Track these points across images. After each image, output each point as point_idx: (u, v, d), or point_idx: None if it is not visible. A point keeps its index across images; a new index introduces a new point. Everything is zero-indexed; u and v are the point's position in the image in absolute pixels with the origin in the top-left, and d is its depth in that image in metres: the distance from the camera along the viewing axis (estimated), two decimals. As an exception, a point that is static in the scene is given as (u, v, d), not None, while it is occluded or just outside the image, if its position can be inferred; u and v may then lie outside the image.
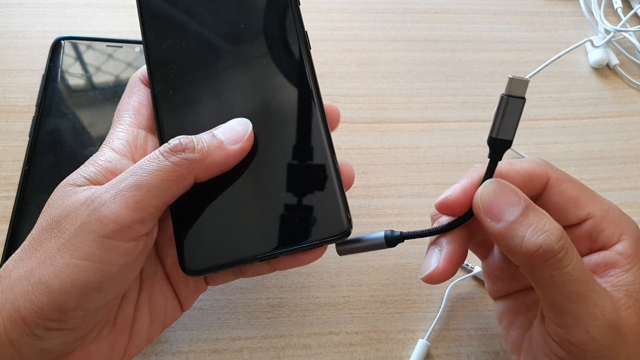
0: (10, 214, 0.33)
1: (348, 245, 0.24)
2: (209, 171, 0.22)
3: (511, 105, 0.21)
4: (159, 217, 0.22)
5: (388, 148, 0.39)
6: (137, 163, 0.21)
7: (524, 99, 0.21)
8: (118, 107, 0.25)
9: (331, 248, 0.34)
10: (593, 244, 0.23)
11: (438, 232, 0.23)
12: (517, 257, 0.21)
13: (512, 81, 0.21)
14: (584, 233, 0.23)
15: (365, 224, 0.36)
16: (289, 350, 0.31)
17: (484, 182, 0.22)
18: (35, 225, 0.21)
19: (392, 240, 0.23)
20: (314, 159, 0.23)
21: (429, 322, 0.33)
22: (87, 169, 0.22)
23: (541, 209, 0.22)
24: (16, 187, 0.34)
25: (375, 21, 0.45)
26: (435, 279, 0.23)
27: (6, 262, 0.21)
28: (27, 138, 0.35)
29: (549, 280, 0.20)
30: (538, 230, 0.20)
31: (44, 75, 0.38)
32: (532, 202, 0.22)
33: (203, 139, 0.22)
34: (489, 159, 0.22)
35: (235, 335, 0.31)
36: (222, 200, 0.23)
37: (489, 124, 0.39)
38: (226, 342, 0.31)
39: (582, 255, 0.23)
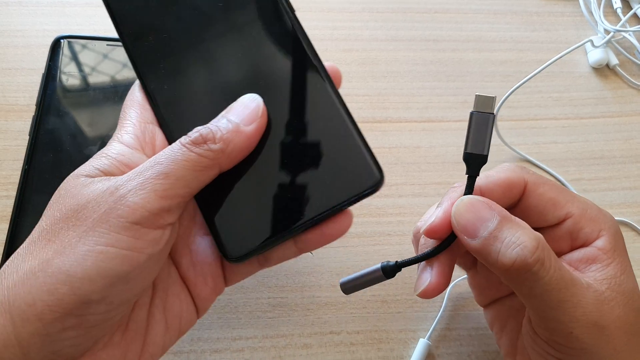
0: (10, 213, 0.33)
1: (350, 284, 0.25)
2: (232, 158, 0.21)
3: (480, 121, 0.23)
4: (184, 207, 0.21)
5: (388, 148, 0.39)
6: (160, 154, 0.20)
7: (492, 114, 0.23)
8: (124, 103, 0.24)
9: (331, 247, 0.35)
10: (574, 242, 0.24)
11: (429, 256, 0.24)
12: (496, 271, 0.22)
13: (478, 98, 0.23)
14: (564, 232, 0.24)
15: (366, 223, 0.36)
16: (290, 350, 0.31)
17: (457, 201, 0.23)
18: (44, 218, 0.20)
19: (389, 271, 0.24)
20: (329, 118, 0.22)
21: (430, 322, 0.33)
22: (99, 161, 0.21)
23: (517, 221, 0.22)
24: (16, 186, 0.34)
25: (376, 21, 0.45)
26: (430, 293, 0.24)
27: (10, 258, 0.19)
28: (27, 137, 0.35)
29: (528, 292, 0.21)
30: (512, 244, 0.21)
31: (43, 74, 0.37)
32: (507, 214, 0.22)
33: (220, 127, 0.21)
34: (466, 176, 0.24)
35: (236, 335, 0.31)
36: (248, 180, 0.22)
37: (490, 124, 0.39)
38: (227, 341, 0.31)
39: (565, 253, 0.24)
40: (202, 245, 0.24)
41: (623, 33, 0.44)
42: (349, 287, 0.25)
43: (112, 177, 0.20)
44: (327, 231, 0.22)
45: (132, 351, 0.21)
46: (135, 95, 0.24)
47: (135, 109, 0.23)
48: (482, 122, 0.23)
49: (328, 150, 0.22)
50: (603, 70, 0.44)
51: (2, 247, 0.32)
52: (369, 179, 0.21)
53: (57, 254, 0.18)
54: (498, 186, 0.23)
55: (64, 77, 0.38)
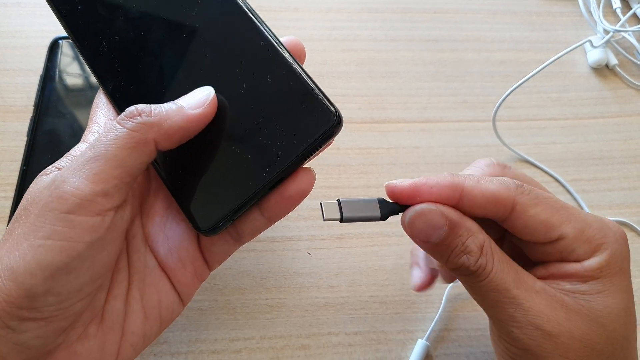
0: (8, 215, 0.33)
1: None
2: (170, 136, 0.21)
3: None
4: (126, 191, 0.21)
5: (387, 148, 0.39)
6: (96, 137, 0.21)
7: (340, 219, 0.23)
8: (92, 105, 0.25)
9: (329, 248, 0.34)
10: (564, 259, 0.23)
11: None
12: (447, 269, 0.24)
13: (323, 205, 0.23)
14: (555, 251, 0.23)
15: (364, 224, 0.36)
16: (288, 351, 0.31)
17: (410, 209, 0.23)
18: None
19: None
20: (274, 71, 0.22)
21: (428, 323, 0.32)
22: (61, 161, 0.22)
23: (466, 226, 0.22)
24: (14, 188, 0.34)
25: (375, 21, 0.45)
26: (421, 288, 0.28)
27: None
28: (25, 138, 0.35)
29: (472, 292, 0.23)
30: (459, 253, 0.22)
31: (41, 75, 0.37)
32: (457, 221, 0.22)
33: (162, 106, 0.21)
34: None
35: (233, 336, 0.31)
36: (206, 150, 0.23)
37: (489, 124, 0.39)
38: (225, 342, 0.31)
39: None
40: (177, 231, 0.24)
41: (622, 33, 0.44)
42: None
43: (58, 171, 0.20)
44: (286, 192, 0.22)
45: (109, 341, 0.22)
46: (101, 97, 0.25)
47: (101, 110, 0.24)
48: (350, 211, 0.23)
49: (277, 104, 0.22)
50: (602, 70, 0.44)
51: (0, 248, 0.32)
52: (322, 121, 0.21)
53: (6, 252, 0.19)
54: (484, 196, 0.22)
55: (62, 78, 0.38)
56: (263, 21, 0.23)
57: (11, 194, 0.33)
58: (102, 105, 0.25)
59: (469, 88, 0.42)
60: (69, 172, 0.19)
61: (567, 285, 0.22)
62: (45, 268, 0.18)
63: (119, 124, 0.20)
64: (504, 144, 0.39)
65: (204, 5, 0.24)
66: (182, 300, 0.24)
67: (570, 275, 0.22)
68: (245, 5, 0.23)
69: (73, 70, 0.38)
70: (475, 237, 0.22)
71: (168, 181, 0.23)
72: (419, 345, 0.31)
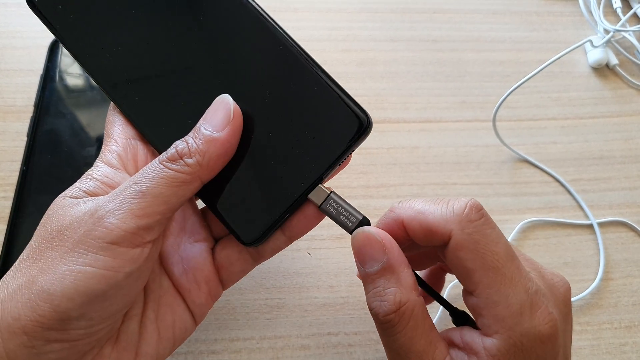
0: (8, 215, 0.33)
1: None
2: (212, 168, 0.21)
3: (332, 207, 0.23)
4: (166, 224, 0.21)
5: (387, 148, 0.39)
6: (139, 172, 0.21)
7: (318, 206, 0.23)
8: (106, 119, 0.25)
9: (329, 248, 0.34)
10: (476, 319, 0.22)
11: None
12: None
13: (317, 187, 0.23)
14: (470, 304, 0.22)
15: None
16: (288, 351, 0.31)
17: (359, 229, 0.22)
18: (34, 237, 0.21)
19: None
20: (300, 80, 0.22)
21: (428, 323, 0.32)
22: (84, 183, 0.22)
23: (401, 275, 0.21)
24: (14, 188, 0.34)
25: (374, 21, 0.45)
26: None
27: (4, 276, 0.20)
28: (25, 138, 0.35)
29: (379, 333, 0.22)
30: (377, 294, 0.21)
31: (42, 75, 0.37)
32: (394, 263, 0.21)
33: (196, 139, 0.21)
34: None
35: (233, 336, 0.31)
36: (243, 164, 0.23)
37: (489, 124, 0.39)
38: (224, 342, 0.31)
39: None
40: (192, 252, 0.24)
41: (623, 33, 0.44)
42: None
43: (95, 198, 0.20)
44: (309, 211, 0.23)
45: None
46: (114, 114, 0.25)
47: (118, 126, 0.24)
48: (333, 206, 0.23)
49: (308, 111, 0.22)
50: (602, 70, 0.44)
51: (0, 249, 0.32)
52: (354, 123, 0.22)
53: (40, 273, 0.19)
54: (419, 225, 0.22)
55: (62, 78, 0.38)
56: (281, 27, 0.23)
57: (11, 194, 0.34)
58: (118, 122, 0.24)
59: (468, 88, 0.42)
60: (114, 204, 0.19)
61: None
62: (83, 294, 0.19)
63: (163, 165, 0.21)
64: (504, 144, 0.39)
65: (219, 16, 0.23)
66: (195, 320, 0.25)
67: (475, 352, 0.21)
68: (262, 11, 0.23)
69: (73, 71, 0.38)
70: (400, 292, 0.21)
71: (208, 199, 0.23)
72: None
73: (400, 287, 0.21)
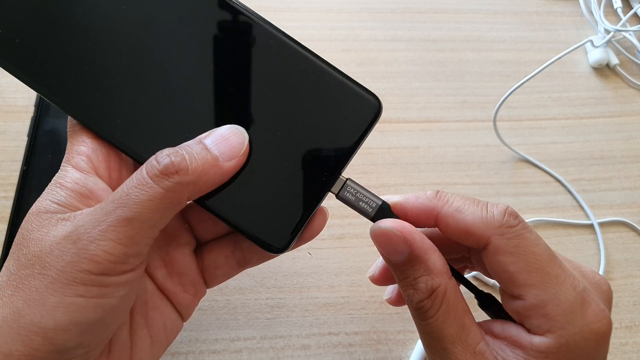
0: (8, 214, 0.33)
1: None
2: (201, 192, 0.20)
3: (349, 193, 0.22)
4: (152, 243, 0.20)
5: (387, 148, 0.39)
6: (123, 189, 0.18)
7: (337, 194, 0.22)
8: (69, 117, 0.22)
9: (329, 248, 0.34)
10: (521, 321, 0.21)
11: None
12: None
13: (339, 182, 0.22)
14: (514, 307, 0.21)
15: (365, 224, 0.35)
16: (289, 351, 0.31)
17: (376, 224, 0.22)
18: (10, 258, 0.19)
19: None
20: (303, 71, 0.22)
21: (428, 323, 0.32)
22: (55, 193, 0.20)
23: (427, 262, 0.21)
24: (15, 188, 0.34)
25: (375, 21, 0.45)
26: (372, 281, 0.27)
27: None
28: (26, 138, 0.35)
29: (414, 319, 0.22)
30: (408, 285, 0.21)
31: (42, 76, 0.38)
32: (421, 255, 0.21)
33: (195, 154, 0.19)
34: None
35: (234, 336, 0.31)
36: (260, 169, 0.22)
37: (489, 124, 0.39)
38: (225, 342, 0.31)
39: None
40: (175, 256, 0.23)
41: (623, 33, 0.44)
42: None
43: (71, 216, 0.19)
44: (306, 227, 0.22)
45: None
46: None
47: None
48: (350, 192, 0.22)
49: (319, 103, 0.22)
50: (603, 70, 0.44)
51: (1, 248, 0.32)
52: (367, 108, 0.22)
53: (27, 305, 0.18)
54: (456, 226, 0.21)
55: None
56: (272, 24, 0.22)
57: (12, 194, 0.34)
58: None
59: (469, 88, 0.42)
60: (98, 232, 0.18)
61: (511, 356, 0.20)
62: (79, 324, 0.18)
63: (152, 180, 0.18)
64: (505, 144, 0.39)
65: (213, 19, 0.22)
66: (183, 318, 0.24)
67: (519, 346, 0.20)
68: (252, 13, 0.22)
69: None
70: (431, 279, 0.21)
71: (225, 214, 0.21)
72: (420, 346, 0.31)
73: (431, 274, 0.21)
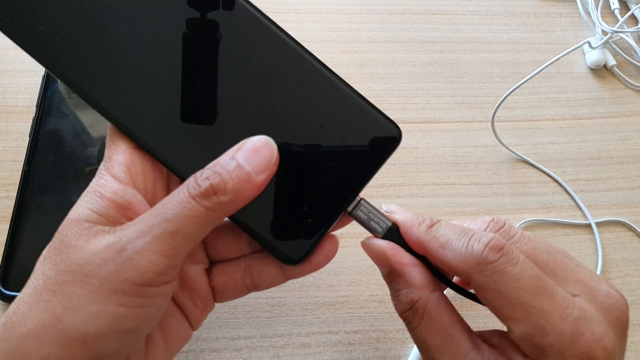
0: (10, 214, 0.33)
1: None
2: (237, 207, 0.21)
3: (363, 213, 0.24)
4: (186, 258, 0.21)
5: (386, 148, 0.39)
6: (166, 205, 0.20)
7: (350, 212, 0.23)
8: (109, 125, 0.22)
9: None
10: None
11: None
12: None
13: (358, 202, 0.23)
14: (510, 336, 0.21)
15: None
16: (288, 350, 0.31)
17: (368, 239, 0.24)
18: (47, 262, 0.19)
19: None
20: (327, 95, 0.23)
21: (427, 322, 0.33)
22: (94, 202, 0.20)
23: (407, 277, 0.22)
24: (16, 187, 0.34)
25: (374, 22, 0.45)
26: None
27: (14, 303, 0.19)
28: (27, 138, 0.35)
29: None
30: (393, 295, 0.23)
31: (44, 76, 0.38)
32: (400, 270, 0.22)
33: (231, 174, 0.20)
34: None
35: (234, 335, 0.32)
36: (283, 184, 0.23)
37: (487, 125, 0.40)
38: (225, 341, 0.31)
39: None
40: (188, 273, 0.24)
41: (620, 34, 0.44)
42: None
43: (115, 230, 0.20)
44: (313, 258, 0.23)
45: None
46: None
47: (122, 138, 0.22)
48: (363, 212, 0.23)
49: (343, 128, 0.23)
50: (600, 71, 0.44)
51: (3, 248, 0.32)
52: (389, 137, 0.23)
53: (67, 310, 0.18)
54: (442, 263, 0.22)
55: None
56: (298, 41, 0.23)
57: (13, 193, 0.34)
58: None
59: (467, 89, 0.42)
60: (143, 243, 0.19)
61: None
62: (117, 332, 0.19)
63: (194, 200, 0.19)
64: (503, 145, 0.39)
65: (240, 39, 0.23)
66: (193, 328, 0.25)
67: None
68: (280, 29, 0.23)
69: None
70: (410, 292, 0.22)
71: (250, 225, 0.22)
72: (418, 344, 0.31)
73: (409, 287, 0.22)
